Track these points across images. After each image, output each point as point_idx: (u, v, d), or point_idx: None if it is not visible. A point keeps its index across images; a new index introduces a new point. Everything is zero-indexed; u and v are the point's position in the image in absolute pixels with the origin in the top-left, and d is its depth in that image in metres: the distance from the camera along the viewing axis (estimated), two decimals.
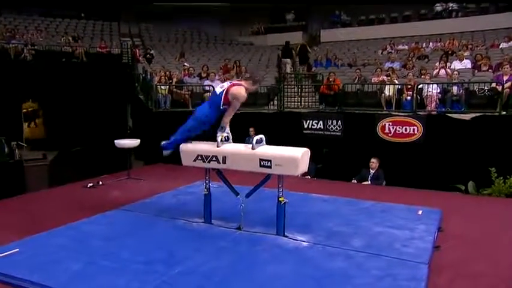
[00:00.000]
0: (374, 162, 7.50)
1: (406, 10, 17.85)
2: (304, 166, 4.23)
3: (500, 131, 7.63)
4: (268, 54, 16.77)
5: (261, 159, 4.23)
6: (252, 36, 20.09)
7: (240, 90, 4.37)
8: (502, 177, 6.68)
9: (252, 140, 4.32)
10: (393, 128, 8.75)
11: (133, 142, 7.38)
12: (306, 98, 10.97)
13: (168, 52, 16.43)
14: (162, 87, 9.75)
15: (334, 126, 9.32)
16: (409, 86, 9.11)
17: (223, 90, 4.42)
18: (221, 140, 4.45)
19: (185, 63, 12.13)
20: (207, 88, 9.96)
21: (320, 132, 9.36)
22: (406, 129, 8.64)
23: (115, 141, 7.38)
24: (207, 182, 4.83)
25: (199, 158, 4.58)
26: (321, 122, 9.43)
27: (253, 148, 4.30)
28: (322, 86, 10.20)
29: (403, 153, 8.35)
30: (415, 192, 6.64)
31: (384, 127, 8.83)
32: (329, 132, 9.31)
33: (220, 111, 4.48)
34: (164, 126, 9.36)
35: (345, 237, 4.33)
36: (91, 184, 6.88)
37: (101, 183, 6.99)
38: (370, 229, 4.58)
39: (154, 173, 7.83)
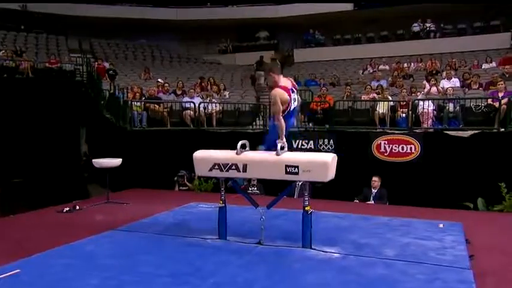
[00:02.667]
0: (376, 181, 7.90)
1: (382, 30, 19.17)
2: (333, 172, 4.49)
3: (500, 148, 8.32)
4: (240, 73, 17.29)
5: (287, 166, 4.44)
6: (220, 54, 20.60)
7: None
8: None
9: (277, 147, 4.53)
10: (389, 146, 9.26)
11: (114, 161, 7.32)
12: None
13: (128, 69, 16.50)
14: (137, 104, 9.78)
15: (326, 145, 9.72)
16: (403, 103, 9.75)
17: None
18: (281, 148, 4.53)
19: (159, 80, 12.26)
20: (187, 105, 10.11)
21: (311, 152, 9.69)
22: (402, 148, 9.17)
23: (93, 160, 7.30)
24: (223, 193, 4.93)
25: (216, 167, 4.71)
26: (311, 142, 9.80)
27: (277, 154, 4.51)
28: (312, 103, 10.67)
29: (402, 172, 8.84)
30: (424, 210, 7.02)
31: (379, 146, 9.32)
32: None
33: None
34: (142, 146, 9.50)
35: (376, 248, 4.58)
36: (67, 209, 6.74)
37: (78, 207, 6.86)
38: (398, 240, 4.87)
39: (136, 196, 7.77)
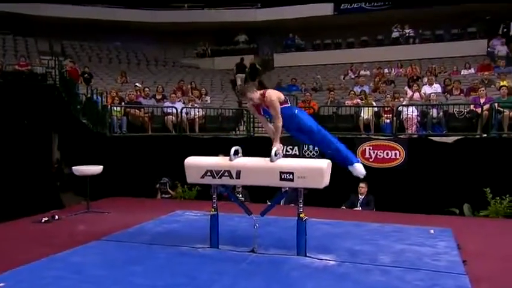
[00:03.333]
0: (363, 187, 8.02)
1: (362, 36, 19.53)
2: (328, 178, 4.54)
3: (483, 153, 8.58)
4: (219, 77, 17.30)
5: (281, 172, 4.48)
6: (197, 58, 20.56)
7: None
8: (498, 198, 7.52)
9: (271, 153, 4.57)
10: (374, 152, 9.43)
11: (95, 169, 7.20)
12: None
13: (103, 72, 16.29)
14: (117, 108, 9.66)
15: (311, 151, 9.82)
16: (387, 109, 9.96)
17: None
18: (275, 154, 4.57)
19: (137, 84, 12.13)
20: (169, 110, 10.04)
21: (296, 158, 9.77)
22: (387, 154, 9.35)
23: (73, 167, 7.16)
24: (215, 200, 4.93)
25: (209, 173, 4.71)
26: (296, 147, 9.88)
27: (272, 160, 4.54)
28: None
29: (387, 178, 9.00)
30: (411, 216, 7.18)
31: (364, 152, 9.48)
32: (306, 158, 9.76)
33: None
34: (122, 153, 9.36)
35: (371, 255, 4.65)
36: (45, 219, 6.58)
37: (56, 217, 6.71)
38: (392, 247, 4.96)
39: (117, 205, 7.66)
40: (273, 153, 4.56)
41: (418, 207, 7.80)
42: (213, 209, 4.90)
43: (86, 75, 13.60)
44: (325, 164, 4.45)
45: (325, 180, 4.47)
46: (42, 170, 13.30)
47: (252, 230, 4.83)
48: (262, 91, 4.86)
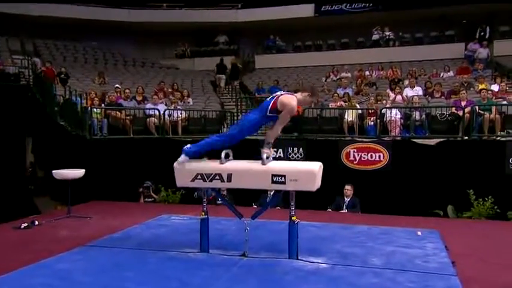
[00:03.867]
0: (349, 190, 8.13)
1: (343, 38, 19.79)
2: (319, 181, 4.61)
3: (465, 155, 8.80)
4: (200, 78, 17.27)
5: (273, 175, 4.52)
6: (177, 59, 20.47)
7: (291, 100, 4.58)
8: (481, 199, 7.74)
9: (262, 156, 4.60)
10: (358, 155, 9.55)
11: (77, 172, 7.10)
12: None
13: (79, 73, 16.06)
14: (97, 110, 9.53)
15: (295, 154, 9.89)
16: (371, 111, 10.12)
17: (274, 96, 4.67)
18: (267, 157, 4.55)
19: (117, 85, 11.99)
20: (151, 112, 9.96)
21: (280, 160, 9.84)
22: (371, 156, 9.48)
23: (53, 171, 7.04)
24: (205, 204, 4.93)
25: (199, 177, 4.71)
26: (280, 150, 9.93)
27: (263, 163, 4.58)
28: None
29: (371, 180, 9.14)
30: (397, 218, 7.31)
31: (348, 154, 9.59)
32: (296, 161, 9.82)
33: (266, 119, 4.69)
34: (103, 156, 9.24)
35: (362, 257, 4.74)
36: (25, 224, 6.45)
37: (36, 222, 6.59)
38: (382, 249, 5.06)
39: (99, 210, 7.55)
40: (264, 156, 4.60)
41: (402, 209, 7.95)
42: (203, 213, 4.90)
43: (63, 75, 13.38)
44: (316, 167, 4.51)
45: (317, 183, 4.54)
46: (14, 174, 13.03)
47: (241, 234, 4.88)
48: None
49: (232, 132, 4.91)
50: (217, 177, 4.67)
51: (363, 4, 19.41)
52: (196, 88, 15.32)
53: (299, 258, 4.63)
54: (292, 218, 4.66)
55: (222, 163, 4.69)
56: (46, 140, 11.69)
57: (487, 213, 7.55)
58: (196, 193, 9.13)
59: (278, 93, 4.82)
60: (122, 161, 9.24)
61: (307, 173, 4.50)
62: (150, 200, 8.78)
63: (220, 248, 4.95)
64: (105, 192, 8.72)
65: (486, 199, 7.69)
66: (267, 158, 4.59)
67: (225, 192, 8.81)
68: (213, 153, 4.95)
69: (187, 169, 4.78)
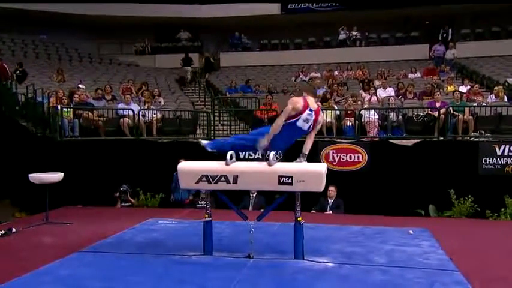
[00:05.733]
0: (332, 191, 8.47)
1: (310, 37, 20.31)
2: (324, 181, 4.87)
3: (441, 156, 9.38)
4: (164, 77, 17.21)
5: (280, 176, 4.74)
6: (137, 55, 20.27)
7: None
8: (462, 199, 8.30)
9: (270, 157, 4.81)
10: (337, 156, 9.93)
11: (55, 176, 7.01)
12: (225, 126, 11.73)
13: (33, 70, 15.58)
14: (67, 110, 9.35)
15: (274, 155, 10.13)
16: (349, 112, 10.55)
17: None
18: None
19: (80, 86, 11.77)
20: (125, 113, 9.89)
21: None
22: (350, 157, 9.89)
23: (29, 175, 6.92)
24: (208, 206, 5.07)
25: (204, 179, 4.85)
26: (258, 152, 10.15)
27: (270, 164, 4.79)
28: (256, 111, 11.06)
29: (351, 181, 9.54)
30: (381, 218, 7.68)
31: (327, 155, 9.96)
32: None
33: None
34: (74, 158, 9.08)
35: (364, 256, 5.04)
36: (2, 232, 6.33)
37: (14, 230, 6.48)
38: (381, 248, 5.39)
39: (76, 215, 7.47)
40: (271, 157, 4.82)
41: (384, 209, 8.37)
42: (207, 215, 5.04)
43: (18, 72, 12.98)
44: (323, 168, 4.78)
45: (323, 184, 4.80)
46: None
47: (237, 236, 5.21)
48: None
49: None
50: (222, 178, 4.82)
51: (330, 3, 20.03)
52: (161, 87, 15.27)
53: (305, 258, 4.87)
54: (298, 218, 4.90)
55: (228, 164, 4.85)
56: (3, 141, 11.30)
57: (467, 212, 8.11)
58: (172, 197, 9.22)
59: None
60: (96, 164, 9.15)
61: (314, 174, 4.75)
62: (127, 204, 8.76)
63: (222, 250, 5.11)
64: (78, 197, 8.63)
65: (466, 198, 8.25)
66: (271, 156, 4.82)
67: (204, 196, 8.96)
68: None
69: (192, 171, 4.92)
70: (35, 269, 4.52)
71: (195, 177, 4.89)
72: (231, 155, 4.93)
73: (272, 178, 4.75)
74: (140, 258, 4.88)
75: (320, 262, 4.80)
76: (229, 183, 4.83)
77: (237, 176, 4.80)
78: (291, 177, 4.72)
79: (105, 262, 4.77)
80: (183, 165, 5.01)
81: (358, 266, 4.70)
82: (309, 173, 4.77)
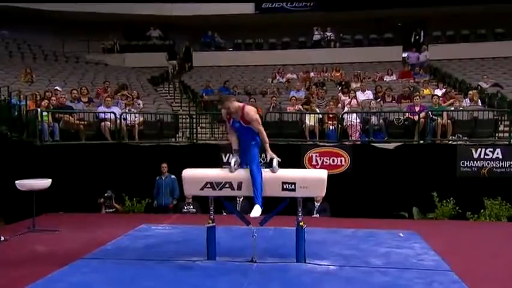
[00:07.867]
0: None
1: (284, 37, 20.73)
2: (325, 187, 5.24)
3: (422, 159, 9.95)
4: (135, 77, 17.24)
5: (283, 183, 5.09)
6: (104, 54, 20.17)
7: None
8: (445, 201, 8.87)
9: (273, 164, 5.15)
10: (320, 159, 10.37)
11: (42, 182, 7.11)
12: (207, 129, 11.97)
13: None
14: (46, 113, 9.36)
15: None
16: (331, 116, 11.00)
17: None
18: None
19: (57, 88, 11.71)
20: (106, 116, 9.96)
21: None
22: (333, 160, 10.35)
23: (16, 182, 6.99)
24: (212, 211, 5.35)
25: (209, 185, 5.14)
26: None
27: (274, 171, 5.13)
28: None
29: (335, 184, 9.92)
30: (367, 221, 8.14)
31: (311, 159, 10.38)
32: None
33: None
34: (57, 163, 9.09)
35: (362, 258, 5.45)
36: None
37: (2, 238, 6.56)
38: (376, 250, 5.81)
39: (62, 222, 7.56)
40: (274, 163, 5.15)
41: (368, 212, 8.86)
42: (210, 221, 5.32)
43: None
44: (325, 174, 5.15)
45: (325, 190, 5.17)
46: None
47: (234, 240, 5.56)
48: (241, 104, 5.36)
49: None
50: (227, 185, 5.12)
51: (304, 3, 20.49)
52: (135, 88, 15.32)
53: (307, 261, 5.22)
54: (300, 223, 5.25)
55: (232, 171, 5.15)
56: None
57: (449, 214, 8.69)
58: (156, 202, 9.42)
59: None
60: (78, 169, 9.21)
61: (317, 180, 5.12)
62: (111, 210, 8.88)
63: (224, 255, 5.40)
64: (59, 204, 8.70)
65: (448, 200, 8.83)
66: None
67: (190, 200, 9.18)
68: None
69: (196, 178, 5.19)
70: (39, 278, 4.68)
71: (200, 184, 5.16)
72: (234, 162, 5.23)
73: (275, 184, 5.09)
74: (145, 265, 5.12)
75: (322, 265, 5.17)
76: (234, 189, 5.14)
77: (241, 182, 5.11)
78: (294, 183, 5.07)
79: (112, 268, 4.98)
80: (188, 172, 5.26)
81: (359, 268, 5.10)
82: (312, 179, 5.14)
